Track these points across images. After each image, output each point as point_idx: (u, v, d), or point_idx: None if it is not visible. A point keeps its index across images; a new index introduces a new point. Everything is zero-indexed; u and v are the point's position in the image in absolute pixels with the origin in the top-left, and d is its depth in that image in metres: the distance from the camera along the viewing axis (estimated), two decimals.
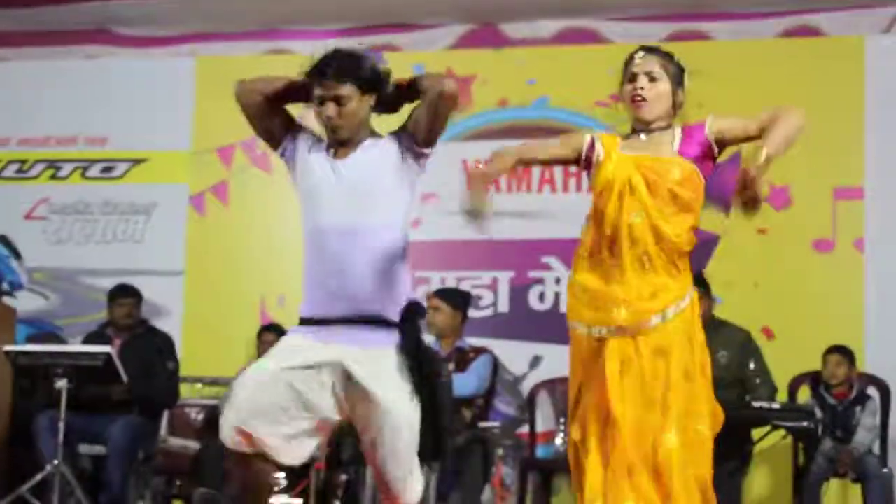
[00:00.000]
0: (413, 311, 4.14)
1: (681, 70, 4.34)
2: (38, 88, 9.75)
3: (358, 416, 4.08)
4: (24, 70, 9.86)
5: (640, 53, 4.33)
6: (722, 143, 4.32)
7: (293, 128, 4.28)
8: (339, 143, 4.18)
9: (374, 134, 4.21)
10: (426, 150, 4.21)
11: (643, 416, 4.14)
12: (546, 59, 9.21)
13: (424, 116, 4.13)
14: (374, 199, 4.12)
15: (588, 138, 4.38)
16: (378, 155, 4.16)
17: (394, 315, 4.09)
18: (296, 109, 4.33)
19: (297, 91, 4.20)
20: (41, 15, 9.59)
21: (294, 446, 4.04)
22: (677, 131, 4.28)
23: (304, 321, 4.17)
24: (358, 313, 4.08)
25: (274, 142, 4.29)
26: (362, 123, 4.18)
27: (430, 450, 4.09)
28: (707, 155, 4.31)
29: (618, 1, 9.08)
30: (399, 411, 3.98)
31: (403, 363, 4.05)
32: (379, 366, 4.03)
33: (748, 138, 4.29)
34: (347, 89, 4.10)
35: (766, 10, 8.92)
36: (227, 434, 4.01)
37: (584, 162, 4.38)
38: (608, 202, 4.23)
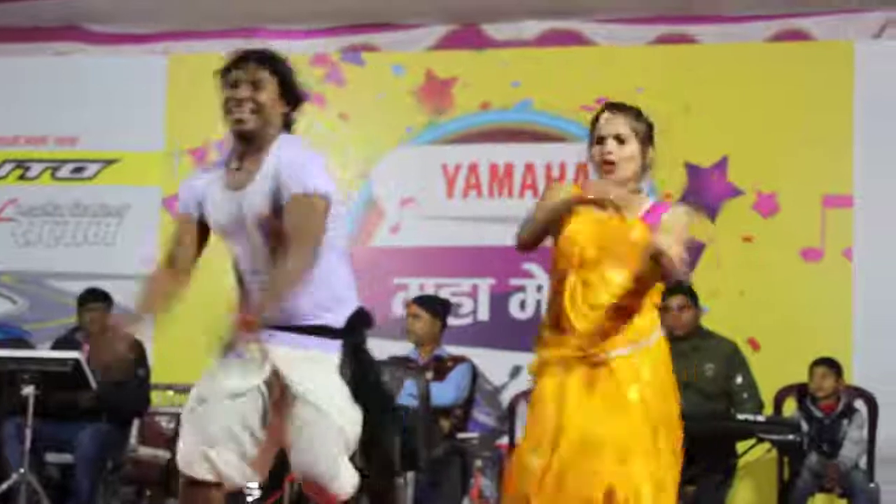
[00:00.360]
0: (356, 319, 4.02)
1: (649, 127, 4.29)
2: (6, 86, 9.57)
3: (282, 418, 3.96)
4: None
5: (606, 115, 4.28)
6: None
7: (190, 207, 4.16)
8: (242, 142, 4.02)
9: (276, 148, 4.00)
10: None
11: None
12: (530, 61, 9.07)
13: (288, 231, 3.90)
14: (277, 227, 3.94)
15: (568, 188, 4.36)
16: (268, 183, 3.93)
17: (333, 322, 3.97)
18: None
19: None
20: (10, 10, 9.44)
21: (244, 466, 3.92)
22: (646, 205, 4.27)
23: None
24: (293, 323, 3.94)
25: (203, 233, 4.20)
26: (270, 127, 4.00)
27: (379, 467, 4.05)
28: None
29: (603, 3, 8.97)
30: (325, 408, 3.87)
31: (336, 367, 3.95)
32: (309, 368, 3.92)
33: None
34: (268, 77, 3.97)
35: (754, 14, 8.81)
36: (188, 460, 3.92)
37: None
38: (560, 259, 4.25)
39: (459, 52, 9.27)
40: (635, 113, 4.28)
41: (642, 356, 4.17)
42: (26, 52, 9.70)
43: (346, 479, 3.98)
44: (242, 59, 3.98)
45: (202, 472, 3.89)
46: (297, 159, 3.92)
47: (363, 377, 4.00)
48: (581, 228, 4.21)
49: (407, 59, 9.26)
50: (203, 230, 4.17)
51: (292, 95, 4.04)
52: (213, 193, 4.07)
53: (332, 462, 3.91)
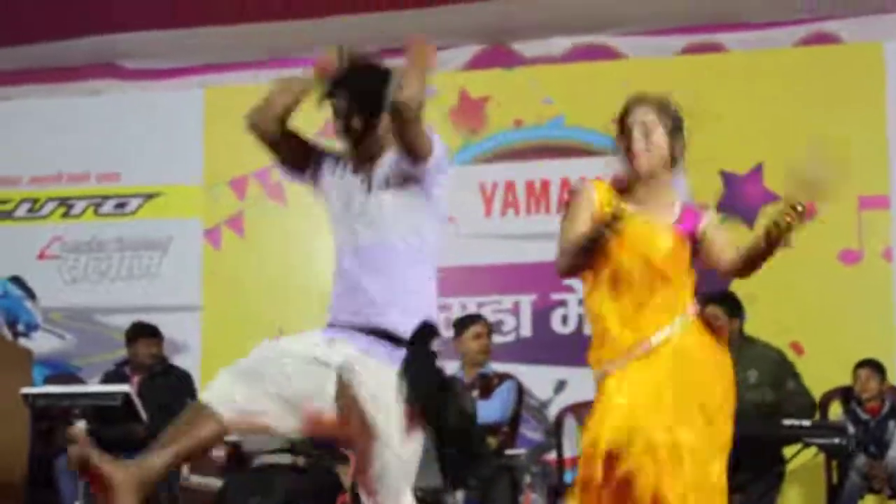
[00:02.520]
0: (424, 331, 3.99)
1: (676, 119, 4.28)
2: (47, 126, 9.68)
3: (348, 431, 3.96)
4: (33, 108, 9.81)
5: (632, 106, 4.29)
6: (698, 243, 4.29)
7: (315, 149, 4.18)
8: (355, 153, 4.10)
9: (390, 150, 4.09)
10: (416, 168, 3.98)
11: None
12: (560, 77, 9.12)
13: (394, 131, 3.95)
14: (385, 217, 4.00)
15: (591, 196, 4.31)
16: (388, 171, 4.03)
17: (400, 330, 3.95)
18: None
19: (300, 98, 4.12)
20: (44, 51, 9.54)
21: (281, 421, 3.92)
22: (678, 204, 4.28)
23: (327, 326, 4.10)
24: (367, 326, 3.96)
25: (298, 167, 4.19)
26: (380, 137, 4.06)
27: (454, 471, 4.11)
28: (689, 239, 4.27)
29: (630, 15, 8.99)
30: (392, 444, 3.85)
31: (402, 383, 3.90)
32: (378, 383, 3.88)
33: (712, 262, 4.27)
34: (353, 106, 4.03)
35: (781, 20, 8.82)
36: (212, 390, 3.88)
37: None
38: (604, 257, 4.23)
39: (490, 72, 9.32)
40: (662, 103, 4.28)
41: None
42: (63, 91, 9.82)
43: None
44: (332, 90, 4.06)
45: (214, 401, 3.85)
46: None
47: (417, 379, 3.94)
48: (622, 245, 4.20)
49: (440, 79, 9.28)
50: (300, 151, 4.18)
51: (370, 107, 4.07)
52: (336, 174, 4.15)
53: (395, 495, 3.94)
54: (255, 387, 3.86)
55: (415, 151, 3.92)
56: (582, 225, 4.26)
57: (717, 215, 4.40)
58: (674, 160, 4.27)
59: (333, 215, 4.14)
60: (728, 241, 4.27)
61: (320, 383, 3.92)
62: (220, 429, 3.85)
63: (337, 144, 4.18)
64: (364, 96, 4.03)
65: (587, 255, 4.22)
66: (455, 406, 4.10)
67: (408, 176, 3.99)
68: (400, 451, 3.89)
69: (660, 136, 4.22)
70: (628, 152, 4.23)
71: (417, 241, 4.04)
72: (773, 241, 4.08)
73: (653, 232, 4.22)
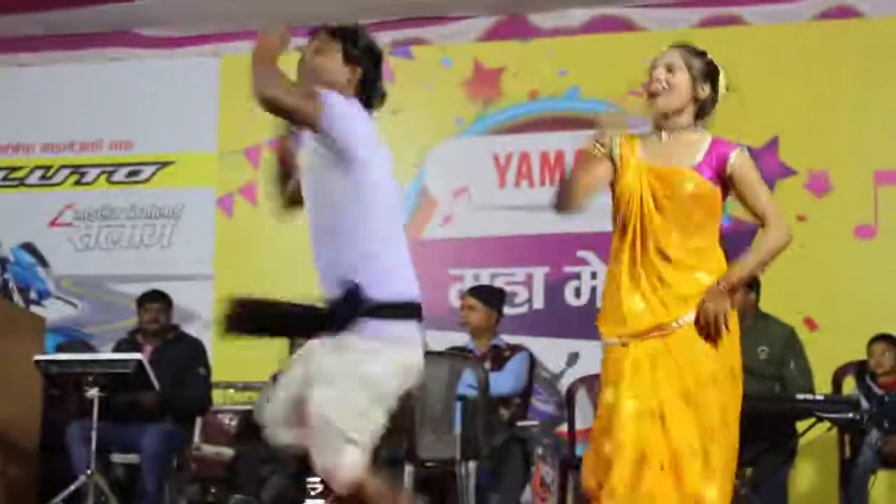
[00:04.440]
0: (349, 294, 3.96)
1: (708, 66, 4.25)
2: (60, 92, 9.68)
3: None
4: (46, 74, 9.80)
5: (666, 48, 4.28)
6: (728, 186, 4.22)
7: None
8: None
9: None
10: (320, 136, 3.95)
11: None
12: (576, 49, 9.08)
13: None
14: (317, 194, 4.05)
15: (608, 151, 4.28)
16: (313, 149, 4.04)
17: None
18: None
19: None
20: (62, 18, 9.52)
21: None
22: (705, 143, 4.19)
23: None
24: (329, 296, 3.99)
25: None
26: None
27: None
28: (718, 182, 4.19)
29: None
30: (312, 399, 3.86)
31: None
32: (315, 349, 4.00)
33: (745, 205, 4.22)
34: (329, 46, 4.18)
35: None
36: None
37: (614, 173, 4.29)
38: (629, 215, 4.20)
39: (506, 43, 9.28)
40: (695, 51, 4.27)
41: None
42: (78, 58, 9.80)
43: (349, 468, 3.86)
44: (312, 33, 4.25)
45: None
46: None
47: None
48: (633, 183, 4.18)
49: (455, 50, 9.29)
50: None
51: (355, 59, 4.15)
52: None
53: (339, 458, 3.83)
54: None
55: (304, 124, 3.95)
56: (593, 170, 4.27)
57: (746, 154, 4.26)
58: (701, 109, 4.24)
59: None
60: (759, 188, 4.22)
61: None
62: None
63: None
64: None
65: (579, 180, 4.22)
66: None
67: (322, 145, 3.96)
68: (315, 403, 3.86)
69: (682, 78, 4.19)
70: (649, 90, 4.21)
71: (345, 207, 3.98)
72: None
73: (672, 173, 4.17)
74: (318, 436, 3.81)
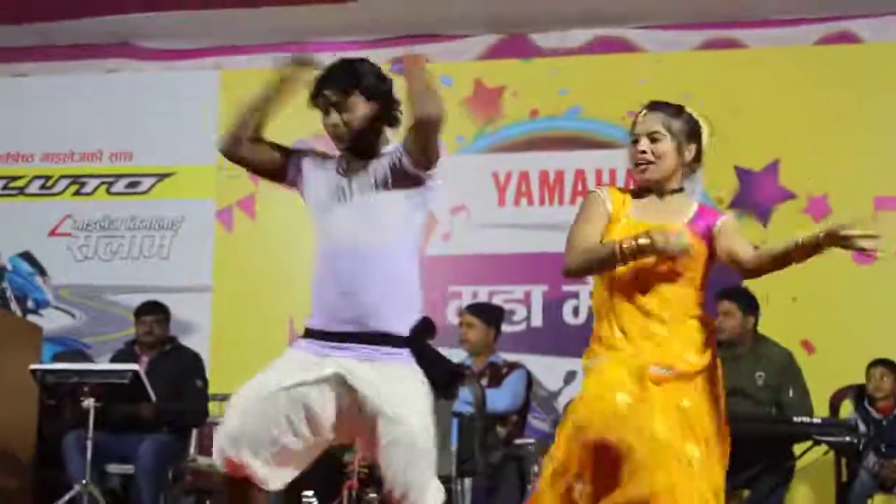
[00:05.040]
0: (421, 328, 4.05)
1: (690, 124, 4.19)
2: (61, 103, 9.67)
3: (361, 430, 4.01)
4: (47, 84, 9.78)
5: (643, 113, 4.21)
6: (713, 243, 4.15)
7: (292, 154, 4.23)
8: (348, 155, 4.12)
9: (385, 146, 4.12)
10: (422, 173, 4.02)
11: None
12: (577, 69, 9.10)
13: (413, 139, 3.99)
14: (381, 218, 4.03)
15: (604, 201, 4.22)
16: (383, 172, 4.04)
17: (399, 330, 4.01)
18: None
19: (275, 98, 4.14)
20: (63, 29, 9.52)
21: (280, 471, 4.00)
22: (693, 208, 4.19)
23: (308, 333, 4.10)
24: (363, 330, 3.99)
25: (279, 176, 4.25)
26: (368, 133, 4.08)
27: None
28: (705, 241, 4.15)
29: (649, 9, 8.97)
30: (408, 424, 3.89)
31: (409, 375, 3.97)
32: (382, 378, 3.94)
33: (731, 260, 4.11)
34: (346, 96, 4.05)
35: (801, 17, 8.79)
36: (218, 458, 3.99)
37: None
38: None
39: (507, 62, 9.31)
40: (674, 110, 4.19)
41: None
42: (79, 69, 9.80)
43: (433, 497, 3.99)
44: (321, 86, 4.09)
45: (234, 472, 3.97)
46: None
47: (435, 369, 4.03)
48: (618, 235, 4.12)
49: (456, 69, 9.29)
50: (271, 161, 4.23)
51: (377, 95, 4.09)
52: (320, 173, 4.17)
53: (425, 485, 3.94)
54: (250, 446, 3.93)
55: (428, 157, 3.99)
56: (597, 231, 4.18)
57: (733, 216, 4.31)
58: (685, 168, 4.20)
59: (321, 214, 4.13)
60: (745, 240, 4.16)
61: (310, 406, 3.96)
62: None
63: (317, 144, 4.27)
64: (369, 86, 4.07)
65: (606, 268, 4.18)
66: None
67: (409, 177, 4.01)
68: (420, 429, 3.90)
69: (667, 147, 4.13)
70: (636, 163, 4.16)
71: (410, 241, 4.08)
72: (801, 258, 4.02)
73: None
74: (413, 459, 3.90)
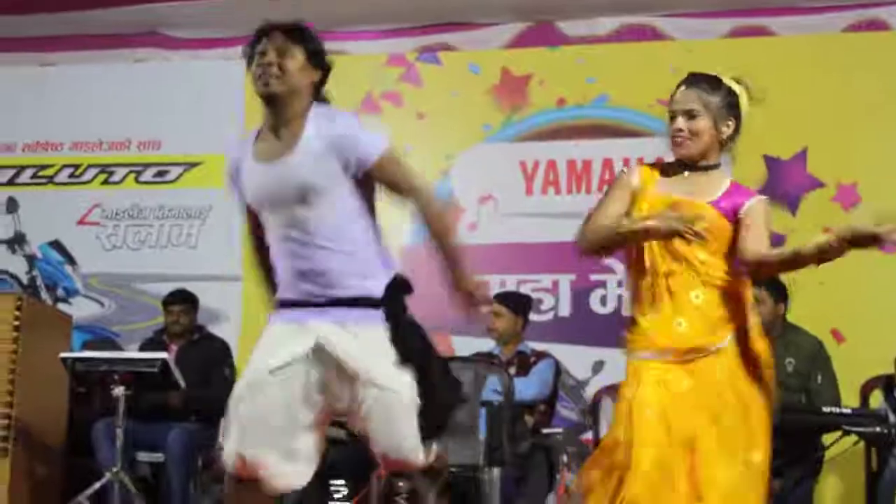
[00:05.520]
0: (394, 286, 4.01)
1: (727, 98, 4.23)
2: (89, 92, 9.69)
3: (345, 396, 3.97)
4: (76, 74, 9.80)
5: (681, 89, 4.24)
6: (738, 225, 4.17)
7: (237, 188, 4.20)
8: (270, 110, 4.03)
9: (311, 120, 4.00)
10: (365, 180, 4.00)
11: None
12: (605, 57, 9.08)
13: (392, 191, 4.02)
14: (317, 195, 3.94)
15: (629, 180, 4.30)
16: (318, 152, 3.94)
17: (373, 291, 3.97)
18: None
19: None
20: (90, 18, 9.53)
21: (291, 467, 3.96)
22: (724, 183, 4.22)
23: (280, 303, 4.09)
24: (330, 298, 3.96)
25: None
26: (297, 94, 4.00)
27: (426, 427, 3.98)
28: (729, 217, 4.18)
29: None
30: (385, 383, 3.88)
31: (385, 336, 3.94)
32: (358, 341, 3.91)
33: (740, 246, 4.15)
34: (293, 46, 4.01)
35: (830, 4, 8.76)
36: (229, 459, 3.96)
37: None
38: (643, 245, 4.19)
39: (535, 50, 9.29)
40: (711, 85, 4.22)
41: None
42: (107, 58, 9.81)
43: (423, 452, 4.00)
44: (268, 30, 4.04)
45: (244, 472, 3.92)
46: (349, 130, 3.95)
47: (407, 339, 3.97)
48: (645, 209, 4.18)
49: (483, 57, 9.29)
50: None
51: (319, 63, 4.05)
52: (245, 168, 4.10)
53: (413, 438, 3.94)
54: (258, 442, 3.90)
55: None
56: (617, 207, 4.23)
57: (764, 200, 4.28)
58: (723, 143, 4.24)
59: (259, 204, 4.08)
60: (764, 232, 4.16)
61: (301, 381, 3.94)
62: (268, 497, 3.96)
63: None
64: (315, 50, 4.04)
65: (621, 245, 4.21)
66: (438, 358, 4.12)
67: (348, 164, 3.96)
68: (400, 390, 3.89)
69: (704, 124, 4.17)
70: (672, 139, 4.20)
71: (356, 206, 4.01)
72: (818, 261, 4.03)
73: (694, 209, 4.15)
74: (395, 419, 3.88)
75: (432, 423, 4.00)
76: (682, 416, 4.06)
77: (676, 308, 4.15)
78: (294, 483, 3.99)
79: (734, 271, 4.18)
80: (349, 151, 3.92)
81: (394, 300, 4.00)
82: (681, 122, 4.17)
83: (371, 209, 4.05)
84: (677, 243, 4.12)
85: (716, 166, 4.24)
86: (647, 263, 4.21)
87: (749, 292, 4.25)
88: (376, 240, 4.04)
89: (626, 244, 4.24)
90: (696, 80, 4.26)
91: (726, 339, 4.15)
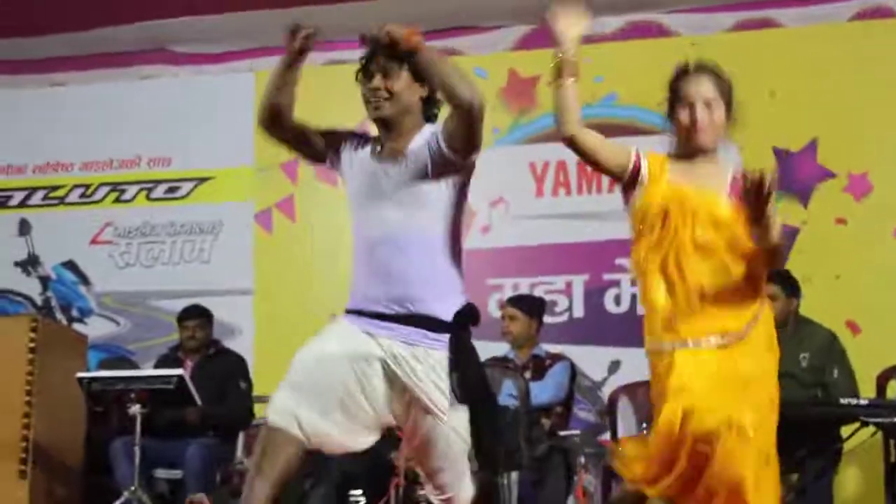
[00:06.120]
0: (464, 313, 4.02)
1: (729, 87, 4.25)
2: (98, 111, 9.73)
3: (402, 417, 4.01)
4: (83, 93, 9.84)
5: (695, 76, 4.25)
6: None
7: (328, 136, 4.22)
8: (384, 133, 4.08)
9: (421, 133, 4.08)
10: (462, 160, 4.03)
11: None
12: (611, 56, 9.03)
13: (456, 127, 3.99)
14: (417, 206, 4.00)
15: (633, 157, 4.30)
16: (420, 156, 4.02)
17: (442, 314, 3.98)
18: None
19: (286, 69, 4.13)
20: (97, 37, 9.56)
21: (350, 435, 3.97)
22: (729, 172, 4.21)
23: (350, 312, 4.08)
24: (403, 313, 3.97)
25: (318, 156, 4.25)
26: (408, 112, 4.06)
27: (483, 462, 4.02)
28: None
29: None
30: (449, 418, 3.92)
31: (447, 364, 3.94)
32: (424, 366, 3.93)
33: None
34: (397, 66, 4.03)
35: None
36: (277, 411, 3.91)
37: (629, 179, 4.28)
38: (661, 228, 4.17)
39: (541, 51, 9.18)
40: (721, 75, 4.25)
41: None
42: (114, 76, 9.85)
43: (468, 488, 4.05)
44: (372, 53, 4.08)
45: (286, 425, 3.90)
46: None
47: (467, 371, 3.99)
48: (663, 200, 4.16)
49: (489, 60, 9.27)
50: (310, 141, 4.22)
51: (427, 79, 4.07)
52: (357, 158, 4.16)
53: (462, 476, 3.99)
54: (315, 406, 3.88)
55: (472, 145, 4.01)
56: (605, 151, 4.34)
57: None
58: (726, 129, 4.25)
59: (357, 199, 4.12)
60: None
61: (367, 380, 3.95)
62: (300, 451, 3.91)
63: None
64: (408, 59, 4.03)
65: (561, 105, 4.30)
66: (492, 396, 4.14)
67: (448, 164, 4.00)
68: (457, 426, 3.92)
69: (721, 114, 4.19)
70: (691, 125, 4.18)
71: (448, 225, 4.05)
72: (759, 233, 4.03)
73: (709, 200, 4.15)
74: (450, 451, 3.95)
75: (484, 460, 4.04)
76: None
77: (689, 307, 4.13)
78: (353, 445, 4.00)
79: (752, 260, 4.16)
80: (434, 142, 4.00)
81: (462, 329, 4.02)
82: (701, 111, 4.17)
83: (458, 230, 4.09)
84: (699, 234, 4.10)
85: (716, 151, 4.24)
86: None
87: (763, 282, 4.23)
88: (456, 262, 4.07)
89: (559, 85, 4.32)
90: (705, 68, 4.29)
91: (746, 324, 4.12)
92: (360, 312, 4.04)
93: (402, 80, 4.03)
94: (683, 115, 4.21)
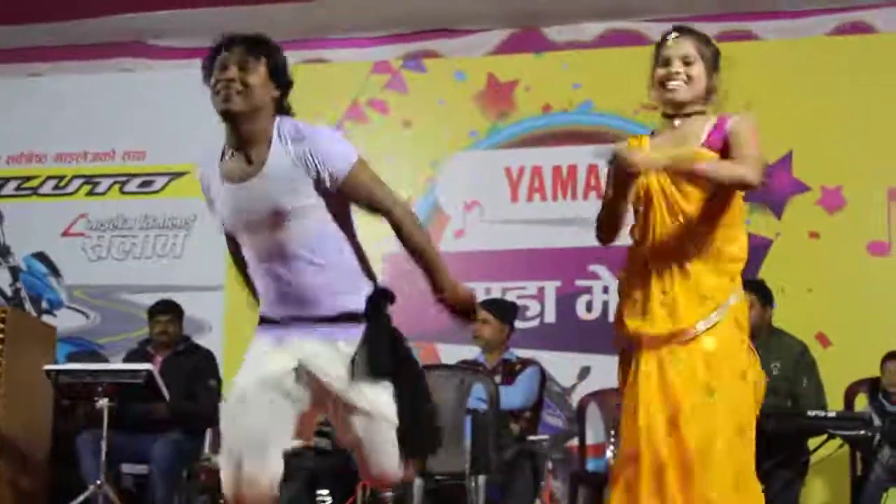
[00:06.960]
0: (377, 299, 3.93)
1: (716, 53, 4.26)
2: (73, 103, 9.68)
3: (331, 413, 3.95)
4: (59, 84, 9.79)
5: (674, 35, 4.24)
6: (727, 147, 4.14)
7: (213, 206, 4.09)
8: (232, 131, 3.92)
9: (280, 141, 3.85)
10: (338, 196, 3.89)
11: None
12: (590, 63, 9.06)
13: (361, 201, 3.90)
14: (294, 215, 3.83)
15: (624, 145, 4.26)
16: (289, 174, 3.81)
17: (353, 308, 3.89)
18: None
19: None
20: (75, 28, 9.52)
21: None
22: (711, 122, 4.18)
23: (262, 319, 4.01)
24: (311, 315, 3.89)
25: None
26: (259, 111, 3.85)
27: (418, 445, 3.99)
28: (723, 150, 4.14)
29: (661, 2, 8.91)
30: (375, 410, 3.84)
31: (370, 352, 3.85)
32: (343, 360, 3.84)
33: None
34: (255, 60, 3.86)
35: (814, 8, 8.75)
36: (228, 487, 3.90)
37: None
38: (645, 210, 4.19)
39: (520, 56, 9.27)
40: (704, 38, 4.25)
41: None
42: (92, 68, 9.81)
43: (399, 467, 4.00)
44: (230, 43, 3.89)
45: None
46: (318, 145, 3.81)
47: (378, 346, 3.89)
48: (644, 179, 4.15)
49: (468, 64, 9.28)
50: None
51: (282, 78, 3.91)
52: (214, 189, 4.01)
53: (395, 458, 3.92)
54: (255, 451, 3.81)
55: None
56: (611, 189, 4.22)
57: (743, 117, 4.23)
58: (708, 94, 4.23)
59: (233, 229, 4.00)
60: (739, 152, 4.09)
61: (292, 394, 3.85)
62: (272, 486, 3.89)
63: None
64: (278, 64, 3.89)
65: (616, 208, 4.18)
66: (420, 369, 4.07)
67: (320, 180, 3.85)
68: (383, 411, 3.86)
69: (699, 70, 4.18)
70: (666, 81, 4.17)
71: (333, 218, 3.91)
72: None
73: (688, 154, 4.11)
74: (378, 437, 3.86)
75: (421, 440, 3.99)
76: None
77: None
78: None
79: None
80: (320, 167, 3.80)
81: (376, 313, 3.93)
82: (678, 65, 4.16)
83: (348, 222, 3.97)
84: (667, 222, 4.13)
85: (702, 112, 4.21)
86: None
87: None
88: (355, 254, 3.95)
89: (618, 204, 4.19)
90: (688, 31, 4.28)
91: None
92: (271, 320, 3.96)
93: (260, 76, 3.84)
94: (661, 73, 4.19)
